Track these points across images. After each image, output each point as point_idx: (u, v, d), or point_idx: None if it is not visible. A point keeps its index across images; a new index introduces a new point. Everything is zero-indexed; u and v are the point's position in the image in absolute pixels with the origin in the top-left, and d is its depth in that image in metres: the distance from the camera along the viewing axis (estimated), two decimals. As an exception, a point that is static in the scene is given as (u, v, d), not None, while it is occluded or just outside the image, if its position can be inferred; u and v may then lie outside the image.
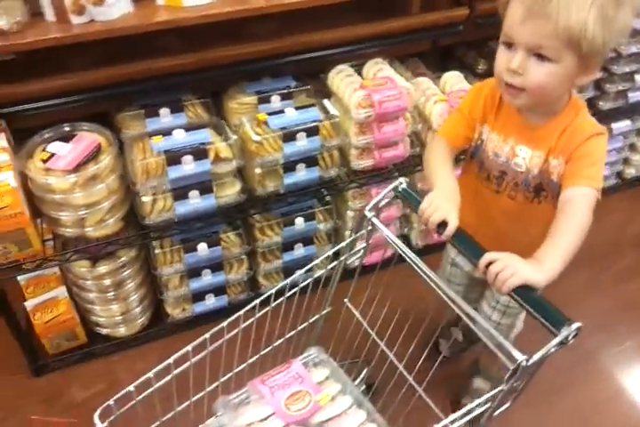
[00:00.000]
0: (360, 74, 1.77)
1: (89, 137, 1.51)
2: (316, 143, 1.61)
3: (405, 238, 2.07)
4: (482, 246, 1.00)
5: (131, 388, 1.01)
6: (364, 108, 1.63)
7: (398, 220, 2.01)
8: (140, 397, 1.04)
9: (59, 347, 1.74)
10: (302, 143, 1.59)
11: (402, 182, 1.11)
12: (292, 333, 1.25)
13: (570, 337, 0.87)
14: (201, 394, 1.15)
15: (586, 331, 2.07)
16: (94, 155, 1.47)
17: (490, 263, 0.95)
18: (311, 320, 1.27)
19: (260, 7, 1.46)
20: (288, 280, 1.17)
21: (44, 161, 1.44)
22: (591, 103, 2.08)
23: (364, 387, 1.44)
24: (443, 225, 1.03)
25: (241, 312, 1.13)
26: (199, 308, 1.82)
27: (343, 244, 1.20)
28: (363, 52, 1.77)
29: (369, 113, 1.63)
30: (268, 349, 1.23)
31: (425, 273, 1.04)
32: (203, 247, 1.67)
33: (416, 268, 1.04)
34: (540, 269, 0.93)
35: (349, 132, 1.69)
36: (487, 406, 0.98)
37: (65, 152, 1.46)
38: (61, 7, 1.32)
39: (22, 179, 1.46)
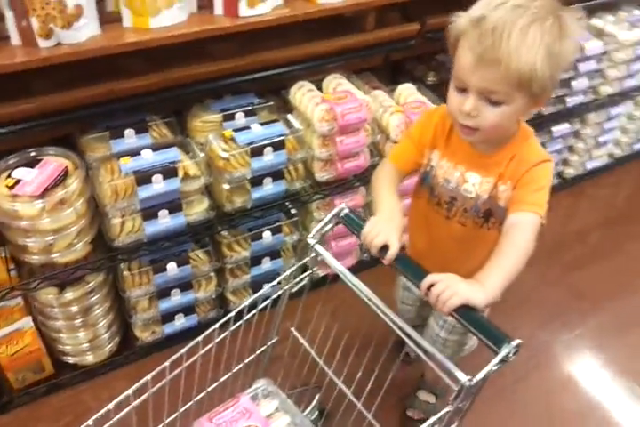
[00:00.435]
0: (320, 89, 1.81)
1: (55, 161, 1.47)
2: (282, 157, 1.64)
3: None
4: (424, 269, 1.01)
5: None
6: (327, 121, 1.67)
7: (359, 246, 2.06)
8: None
9: (24, 380, 1.67)
10: (269, 158, 1.61)
11: (344, 208, 1.11)
12: (239, 366, 1.22)
13: (511, 354, 0.88)
14: None
15: (540, 322, 2.19)
16: (61, 179, 1.43)
17: (432, 285, 0.96)
18: (258, 352, 1.26)
19: (226, 27, 1.47)
20: (246, 303, 1.14)
21: (10, 187, 1.39)
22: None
23: (316, 413, 1.42)
24: (385, 249, 1.03)
25: (191, 343, 1.10)
26: (169, 329, 1.79)
27: (287, 272, 1.18)
28: (322, 68, 1.81)
29: (332, 126, 1.67)
30: (215, 385, 1.20)
31: (369, 299, 1.02)
32: (172, 267, 1.65)
33: (360, 294, 1.03)
34: (481, 289, 0.95)
35: (313, 145, 1.72)
36: None
37: (31, 178, 1.41)
38: (28, 31, 1.28)
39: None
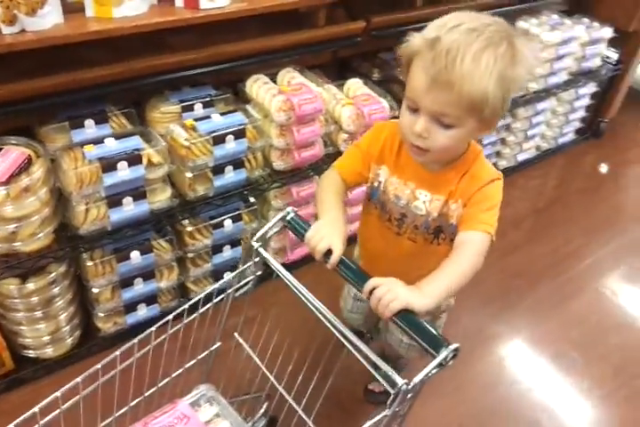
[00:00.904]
0: (274, 82, 1.88)
1: (16, 150, 1.46)
2: (243, 145, 1.69)
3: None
4: (366, 273, 1.02)
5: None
6: (285, 111, 1.74)
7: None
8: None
9: (-17, 376, 1.64)
10: (231, 146, 1.66)
11: (289, 212, 1.10)
12: (180, 371, 1.18)
13: (448, 358, 0.88)
14: None
15: (483, 301, 2.30)
16: (25, 167, 1.43)
17: (374, 289, 0.96)
18: (199, 357, 1.23)
19: (187, 18, 1.52)
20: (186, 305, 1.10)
21: (-29, 174, 1.37)
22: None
23: (264, 421, 1.40)
24: (328, 254, 1.03)
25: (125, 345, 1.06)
26: (131, 319, 1.80)
27: (230, 276, 1.15)
28: (276, 62, 1.88)
29: (289, 115, 1.75)
30: (153, 389, 1.16)
31: (310, 302, 1.02)
32: (135, 255, 1.66)
33: (303, 299, 1.02)
34: (421, 294, 0.95)
35: (271, 135, 1.79)
36: None
37: (-8, 165, 1.40)
38: (-10, 16, 1.28)
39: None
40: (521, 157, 2.85)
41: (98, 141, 1.53)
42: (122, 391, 1.09)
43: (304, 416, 1.11)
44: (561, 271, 2.39)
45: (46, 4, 1.34)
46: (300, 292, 1.03)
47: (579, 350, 2.02)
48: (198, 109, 1.73)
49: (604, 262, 2.45)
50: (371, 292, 0.97)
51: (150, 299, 1.80)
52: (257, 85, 1.83)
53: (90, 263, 1.63)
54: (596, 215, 2.74)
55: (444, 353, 0.88)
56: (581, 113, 3.03)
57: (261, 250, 1.10)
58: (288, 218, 1.10)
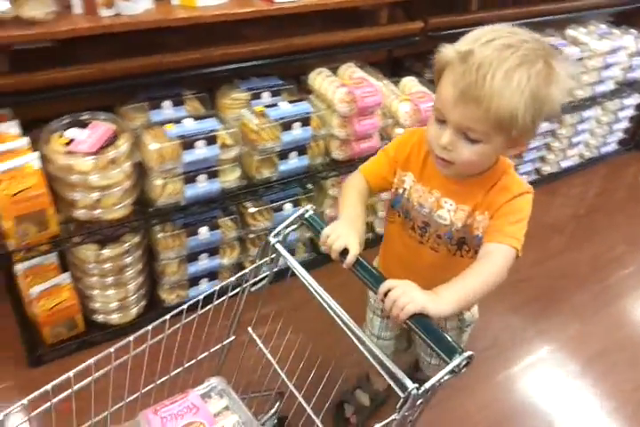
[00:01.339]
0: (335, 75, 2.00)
1: (103, 125, 1.59)
2: (308, 133, 1.81)
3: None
4: (382, 275, 1.00)
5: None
6: (347, 102, 1.85)
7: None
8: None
9: (58, 336, 1.75)
10: (297, 132, 1.78)
11: (308, 210, 1.09)
12: (192, 362, 1.19)
13: (462, 365, 0.86)
14: (87, 424, 1.06)
15: (525, 301, 2.27)
16: (112, 141, 1.56)
17: (389, 291, 0.94)
18: (212, 349, 1.22)
19: (263, 10, 1.65)
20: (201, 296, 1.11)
21: (66, 144, 1.51)
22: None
23: (273, 421, 1.40)
24: (345, 253, 1.01)
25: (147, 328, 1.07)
26: (193, 293, 1.91)
27: (246, 270, 1.14)
28: (335, 56, 2.01)
29: (351, 107, 1.85)
30: (164, 378, 1.17)
31: (326, 302, 1.00)
32: (204, 231, 1.78)
33: (318, 298, 1.01)
34: (438, 299, 0.93)
35: (332, 125, 1.89)
36: None
37: (84, 137, 1.54)
38: (91, 0, 1.43)
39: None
40: (564, 164, 2.91)
41: (176, 121, 1.65)
42: (133, 377, 1.10)
43: (313, 416, 1.10)
44: (603, 277, 2.42)
45: (139, -9, 1.48)
46: (315, 290, 1.01)
47: (620, 353, 2.05)
48: (266, 98, 1.86)
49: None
50: (386, 294, 0.94)
51: (212, 275, 1.91)
52: (320, 78, 1.94)
53: (161, 236, 1.75)
54: (638, 224, 2.78)
55: (457, 360, 0.86)
56: (625, 124, 3.08)
57: (279, 246, 1.09)
58: (306, 216, 1.09)
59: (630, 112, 3.03)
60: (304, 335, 1.29)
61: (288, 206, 1.93)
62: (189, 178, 1.66)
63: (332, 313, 0.98)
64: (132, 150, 1.59)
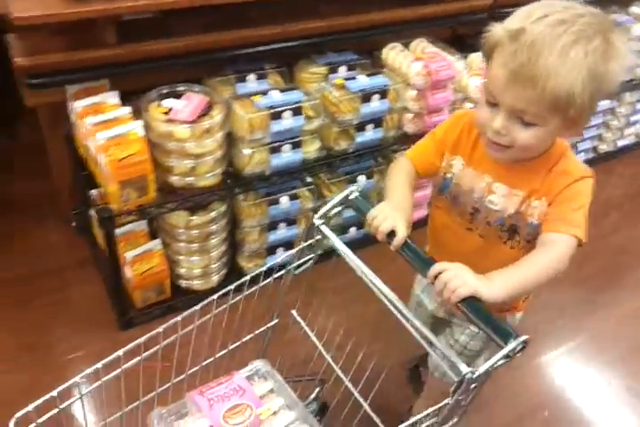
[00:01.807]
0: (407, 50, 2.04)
1: (197, 96, 1.66)
2: (386, 105, 1.86)
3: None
4: (431, 257, 0.97)
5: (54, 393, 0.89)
6: (423, 75, 1.89)
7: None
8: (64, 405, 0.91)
9: (147, 300, 1.84)
10: (375, 104, 1.83)
11: (353, 191, 1.05)
12: (237, 344, 1.17)
13: (517, 350, 0.84)
14: (134, 404, 1.06)
15: (587, 276, 2.30)
16: (206, 111, 1.63)
17: (439, 274, 0.92)
18: (257, 332, 1.21)
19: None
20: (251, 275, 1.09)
21: (165, 113, 1.58)
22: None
23: (315, 406, 1.39)
24: (392, 235, 0.98)
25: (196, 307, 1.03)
26: (271, 261, 1.97)
27: (291, 252, 1.13)
28: (403, 33, 2.04)
29: (426, 80, 1.90)
30: (209, 360, 1.16)
31: (376, 286, 0.97)
32: (285, 200, 1.85)
33: (366, 280, 0.98)
34: (490, 284, 0.90)
35: (406, 98, 1.94)
36: (432, 420, 0.95)
37: (181, 107, 1.61)
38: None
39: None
40: (621, 143, 2.91)
41: (263, 93, 1.72)
42: (180, 358, 1.09)
43: (360, 399, 1.08)
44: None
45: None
46: (363, 272, 0.98)
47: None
48: (342, 72, 1.91)
49: None
50: (436, 277, 0.92)
51: (289, 244, 1.98)
52: (394, 52, 1.99)
53: (245, 204, 1.82)
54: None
55: (512, 344, 0.84)
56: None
57: (324, 228, 1.06)
58: (352, 197, 1.06)
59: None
60: (350, 318, 1.30)
61: (362, 178, 1.99)
62: (275, 148, 1.72)
63: (382, 296, 0.96)
64: (224, 121, 1.66)
